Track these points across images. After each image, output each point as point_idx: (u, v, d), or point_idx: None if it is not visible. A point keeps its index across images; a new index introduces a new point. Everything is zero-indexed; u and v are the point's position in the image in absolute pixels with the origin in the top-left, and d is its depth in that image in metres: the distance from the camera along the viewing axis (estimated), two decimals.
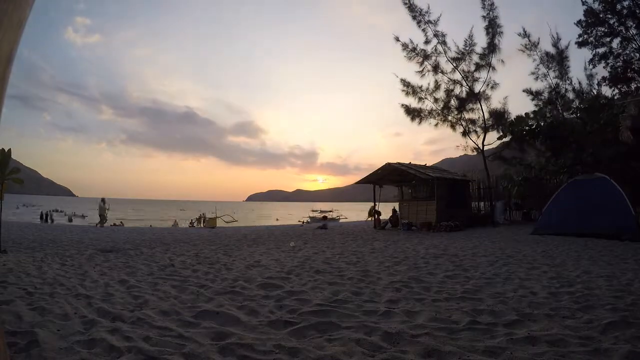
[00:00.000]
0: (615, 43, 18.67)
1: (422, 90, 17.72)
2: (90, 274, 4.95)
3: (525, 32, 18.33)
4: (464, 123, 17.86)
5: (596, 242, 8.14)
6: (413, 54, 17.26)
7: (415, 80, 18.14)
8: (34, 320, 2.85)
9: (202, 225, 27.01)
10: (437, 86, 17.59)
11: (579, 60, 22.89)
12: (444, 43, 17.00)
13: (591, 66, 19.21)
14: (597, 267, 5.29)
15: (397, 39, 17.38)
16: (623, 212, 9.04)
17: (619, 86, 19.44)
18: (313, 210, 47.25)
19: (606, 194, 9.64)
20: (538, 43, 18.41)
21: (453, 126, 18.00)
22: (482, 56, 16.94)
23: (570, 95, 18.57)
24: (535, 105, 18.56)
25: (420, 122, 18.15)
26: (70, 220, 30.23)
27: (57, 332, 2.64)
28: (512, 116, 17.51)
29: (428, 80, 18.21)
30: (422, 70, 17.40)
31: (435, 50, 17.13)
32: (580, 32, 19.33)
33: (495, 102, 19.79)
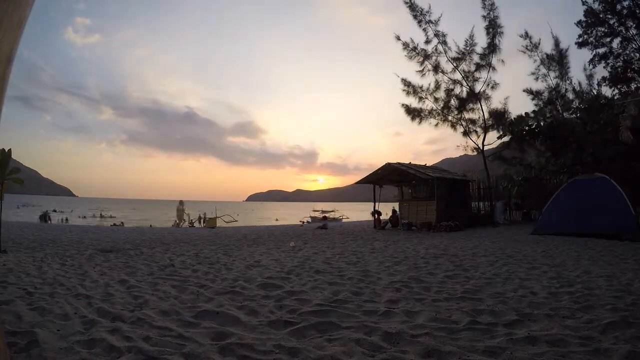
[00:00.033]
0: (615, 43, 18.70)
1: (422, 90, 17.72)
2: (90, 274, 4.95)
3: (526, 33, 18.39)
4: (464, 123, 17.86)
5: (596, 242, 8.14)
6: (414, 53, 17.25)
7: (415, 80, 18.16)
8: (34, 320, 2.85)
9: (202, 225, 27.01)
10: (437, 86, 17.60)
11: (579, 60, 22.95)
12: (444, 43, 17.00)
13: (591, 66, 19.25)
14: (597, 267, 5.29)
15: (398, 38, 17.39)
16: (623, 212, 9.04)
17: (619, 86, 19.44)
18: (314, 210, 47.20)
19: (606, 194, 9.64)
20: (539, 44, 18.46)
21: (453, 126, 18.00)
22: (483, 56, 16.94)
23: (570, 95, 18.61)
24: (535, 105, 18.59)
25: (420, 122, 18.16)
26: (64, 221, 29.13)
27: (57, 332, 2.64)
28: (512, 116, 17.53)
29: (428, 80, 18.24)
30: (423, 69, 17.41)
31: (436, 50, 17.14)
32: (581, 32, 19.34)
33: (496, 102, 19.78)
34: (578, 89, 18.71)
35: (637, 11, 17.11)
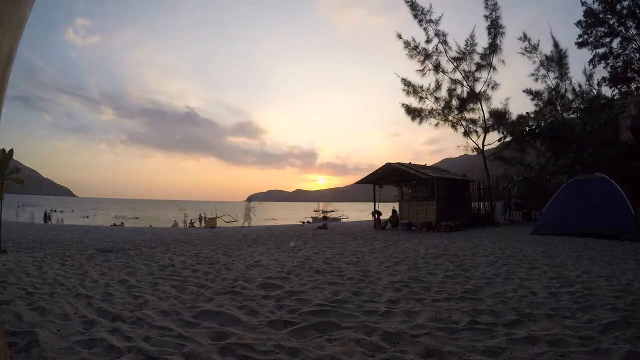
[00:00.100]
0: (615, 43, 18.69)
1: (422, 90, 17.71)
2: (90, 274, 4.95)
3: (525, 35, 18.38)
4: (464, 123, 17.86)
5: (596, 242, 8.14)
6: (414, 52, 17.24)
7: (416, 79, 18.16)
8: (34, 320, 2.85)
9: (202, 225, 27.02)
10: (438, 86, 17.59)
11: (579, 60, 22.95)
12: (445, 42, 16.99)
13: (591, 66, 19.24)
14: (597, 267, 5.29)
15: (400, 36, 17.37)
16: (623, 212, 9.04)
17: (619, 86, 19.43)
18: (315, 210, 47.17)
19: (606, 194, 9.63)
20: (538, 45, 18.46)
21: (454, 126, 18.00)
22: (483, 56, 16.94)
23: (570, 95, 18.61)
24: (535, 105, 18.59)
25: (420, 122, 18.15)
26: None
27: (57, 332, 2.64)
28: (513, 116, 17.54)
29: (429, 80, 18.23)
30: (423, 69, 17.40)
31: (437, 49, 17.12)
32: (580, 32, 19.34)
33: (496, 102, 19.77)
34: (578, 89, 18.73)
35: (637, 11, 17.10)
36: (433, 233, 11.94)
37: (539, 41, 18.57)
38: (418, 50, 17.23)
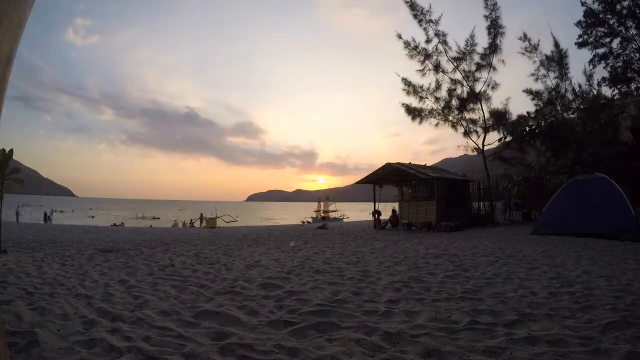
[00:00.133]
0: (615, 43, 18.68)
1: (423, 90, 17.71)
2: (90, 274, 4.95)
3: (525, 35, 18.38)
4: (464, 123, 17.86)
5: (596, 242, 8.14)
6: (414, 52, 17.23)
7: (416, 79, 18.15)
8: (34, 320, 2.85)
9: (201, 225, 27.03)
10: (438, 86, 17.59)
11: (579, 60, 22.91)
12: (445, 42, 16.99)
13: (591, 66, 19.24)
14: (597, 267, 5.29)
15: (400, 36, 17.36)
16: (623, 212, 9.04)
17: (618, 86, 19.43)
18: (316, 210, 47.16)
19: (606, 194, 9.63)
20: (538, 45, 18.46)
21: (454, 126, 18.00)
22: (483, 56, 16.94)
23: (570, 95, 18.61)
24: (535, 105, 18.58)
25: (420, 122, 18.15)
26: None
27: (57, 332, 2.64)
28: (513, 116, 17.54)
29: (429, 80, 18.22)
30: (423, 69, 17.39)
31: (437, 49, 17.12)
32: (580, 32, 19.34)
33: (496, 102, 19.77)
34: (578, 89, 18.73)
35: (637, 11, 17.10)
36: (433, 233, 11.94)
37: (539, 41, 18.60)
38: (418, 50, 17.24)
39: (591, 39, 19.10)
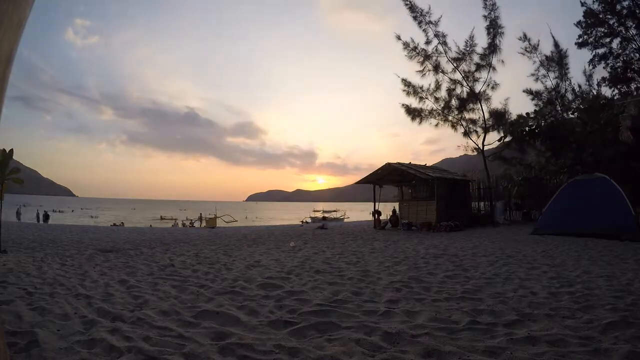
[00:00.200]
0: (615, 43, 18.70)
1: (422, 90, 17.72)
2: (90, 274, 4.95)
3: (525, 35, 18.40)
4: (464, 123, 17.87)
5: (596, 242, 8.14)
6: (414, 53, 17.25)
7: (416, 80, 18.16)
8: (34, 320, 2.85)
9: (201, 225, 27.04)
10: (437, 86, 17.61)
11: (579, 61, 22.94)
12: (444, 43, 17.01)
13: (591, 66, 19.25)
14: (597, 267, 5.29)
15: (399, 38, 17.39)
16: (623, 212, 9.04)
17: (618, 86, 19.44)
18: (315, 210, 47.25)
19: (606, 194, 9.64)
20: (538, 45, 18.47)
21: (454, 126, 18.01)
22: (483, 56, 16.95)
23: (570, 95, 18.62)
24: (535, 105, 18.59)
25: (420, 122, 18.17)
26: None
27: (57, 332, 2.64)
28: (513, 116, 17.55)
29: (429, 81, 18.24)
30: (423, 69, 17.40)
31: (436, 50, 17.13)
32: (580, 32, 19.35)
33: (496, 102, 19.79)
34: (578, 89, 18.74)
35: (637, 11, 17.11)
36: (433, 233, 11.94)
37: (538, 41, 18.63)
38: (417, 51, 17.25)
39: (591, 39, 19.11)
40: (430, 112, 17.95)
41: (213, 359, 2.23)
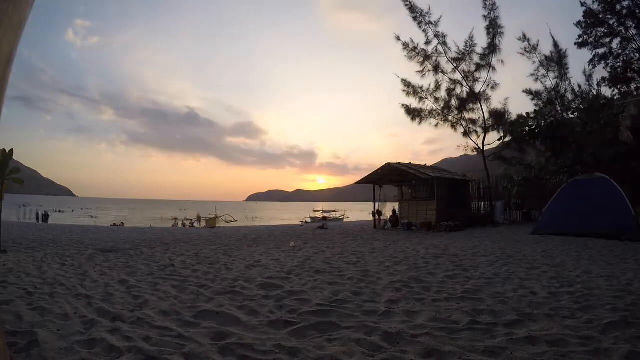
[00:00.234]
0: (615, 43, 18.69)
1: (422, 91, 17.73)
2: (90, 274, 4.95)
3: (524, 36, 18.41)
4: (464, 123, 17.88)
5: (596, 242, 8.14)
6: (414, 53, 17.26)
7: (415, 80, 18.18)
8: (34, 320, 2.85)
9: (201, 225, 27.04)
10: (437, 86, 17.61)
11: (578, 61, 22.96)
12: (444, 44, 17.01)
13: (591, 67, 19.25)
14: (597, 267, 5.29)
15: (398, 38, 17.40)
16: (623, 212, 9.04)
17: (618, 86, 19.44)
18: (315, 210, 47.26)
19: (606, 194, 9.64)
20: (537, 45, 18.49)
21: (454, 126, 18.02)
22: (483, 56, 16.96)
23: (570, 95, 18.63)
24: (535, 105, 18.60)
25: (420, 122, 18.18)
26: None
27: (57, 332, 2.64)
28: (513, 116, 17.56)
29: (429, 81, 18.25)
30: (423, 70, 17.41)
31: (436, 50, 17.14)
32: (580, 32, 19.35)
33: (496, 103, 19.80)
34: (578, 89, 18.75)
35: (637, 11, 17.11)
36: (433, 233, 11.94)
37: (538, 41, 18.65)
38: (417, 51, 17.25)
39: (591, 39, 19.11)
40: (430, 112, 17.97)
41: (213, 359, 2.23)
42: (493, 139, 18.66)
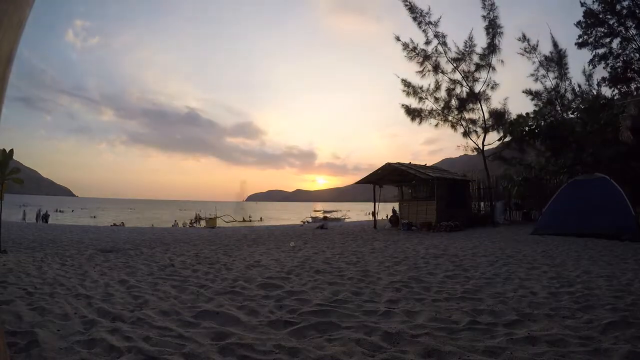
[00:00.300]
0: (615, 43, 18.69)
1: (422, 91, 17.73)
2: (90, 274, 4.95)
3: (524, 36, 18.43)
4: (464, 123, 17.88)
5: (596, 242, 8.14)
6: (413, 53, 17.27)
7: (415, 80, 18.20)
8: (34, 320, 2.85)
9: (201, 224, 27.04)
10: (437, 86, 17.62)
11: (578, 60, 23.02)
12: (444, 44, 17.02)
13: (591, 67, 19.26)
14: (597, 267, 5.29)
15: (398, 39, 17.41)
16: (623, 212, 9.04)
17: (618, 86, 19.44)
18: (315, 210, 47.32)
19: (606, 194, 9.64)
20: (537, 45, 18.50)
21: (453, 126, 18.02)
22: (482, 56, 16.96)
23: (570, 95, 18.63)
24: (535, 105, 18.61)
25: (420, 122, 18.18)
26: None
27: (57, 332, 2.64)
28: (512, 116, 17.56)
29: (429, 81, 18.25)
30: (423, 70, 17.41)
31: (436, 50, 17.15)
32: (580, 32, 19.35)
33: (496, 103, 19.83)
34: (578, 89, 18.75)
35: (637, 11, 17.10)
36: (433, 233, 11.94)
37: (538, 42, 18.66)
38: (417, 51, 17.26)
39: (591, 39, 19.11)
40: (430, 112, 17.97)
41: (213, 359, 2.23)
42: (493, 139, 18.70)
